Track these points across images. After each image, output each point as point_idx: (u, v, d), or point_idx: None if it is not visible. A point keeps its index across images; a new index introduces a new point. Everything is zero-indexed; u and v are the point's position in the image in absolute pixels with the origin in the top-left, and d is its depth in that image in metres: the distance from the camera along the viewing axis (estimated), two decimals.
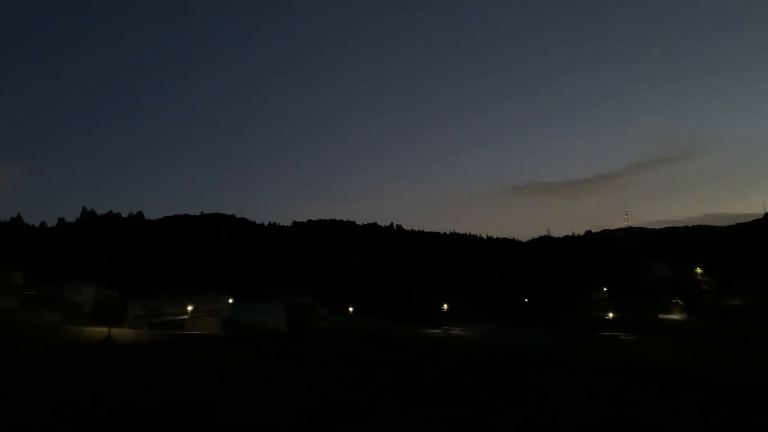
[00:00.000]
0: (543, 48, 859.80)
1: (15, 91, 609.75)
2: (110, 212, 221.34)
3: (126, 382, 24.89)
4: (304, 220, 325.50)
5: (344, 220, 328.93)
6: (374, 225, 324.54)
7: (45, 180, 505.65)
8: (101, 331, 52.89)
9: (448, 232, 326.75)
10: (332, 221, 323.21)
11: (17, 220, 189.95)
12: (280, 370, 31.32)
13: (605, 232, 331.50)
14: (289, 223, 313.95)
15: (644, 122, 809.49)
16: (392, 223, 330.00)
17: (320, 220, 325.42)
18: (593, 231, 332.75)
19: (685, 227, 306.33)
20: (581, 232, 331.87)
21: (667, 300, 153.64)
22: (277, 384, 25.45)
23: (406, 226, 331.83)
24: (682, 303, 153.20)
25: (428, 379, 29.07)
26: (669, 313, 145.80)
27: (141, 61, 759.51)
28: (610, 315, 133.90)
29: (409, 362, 39.22)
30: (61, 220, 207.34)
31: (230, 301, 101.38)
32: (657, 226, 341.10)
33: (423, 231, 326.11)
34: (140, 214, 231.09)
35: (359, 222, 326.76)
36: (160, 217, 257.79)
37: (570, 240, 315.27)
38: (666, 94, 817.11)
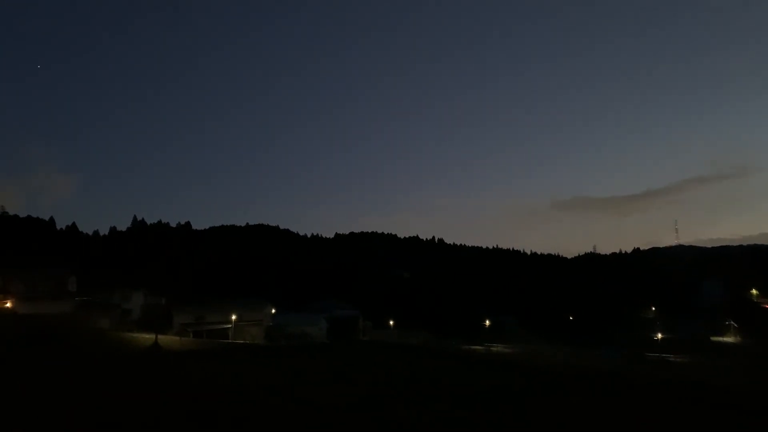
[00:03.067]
0: (592, 60, 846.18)
1: (70, 105, 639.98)
2: (159, 222, 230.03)
3: (167, 389, 25.36)
4: (346, 232, 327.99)
5: (386, 232, 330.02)
6: (416, 238, 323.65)
7: (99, 190, 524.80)
8: (149, 337, 54.46)
9: (490, 247, 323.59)
10: (374, 233, 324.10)
11: (72, 227, 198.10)
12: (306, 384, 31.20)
13: (654, 249, 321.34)
14: (332, 235, 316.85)
15: (697, 137, 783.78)
16: (434, 237, 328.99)
17: (362, 232, 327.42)
18: (642, 248, 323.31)
19: (740, 246, 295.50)
20: (629, 250, 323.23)
21: (721, 321, 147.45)
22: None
23: (448, 240, 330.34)
24: (736, 325, 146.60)
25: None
26: (722, 335, 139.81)
27: (191, 81, 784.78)
28: (659, 336, 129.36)
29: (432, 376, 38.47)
30: (113, 229, 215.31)
31: (273, 311, 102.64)
32: (710, 245, 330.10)
33: (465, 245, 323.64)
34: (188, 224, 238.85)
35: (401, 235, 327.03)
36: (207, 227, 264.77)
37: (617, 257, 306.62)
38: (720, 108, 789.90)
